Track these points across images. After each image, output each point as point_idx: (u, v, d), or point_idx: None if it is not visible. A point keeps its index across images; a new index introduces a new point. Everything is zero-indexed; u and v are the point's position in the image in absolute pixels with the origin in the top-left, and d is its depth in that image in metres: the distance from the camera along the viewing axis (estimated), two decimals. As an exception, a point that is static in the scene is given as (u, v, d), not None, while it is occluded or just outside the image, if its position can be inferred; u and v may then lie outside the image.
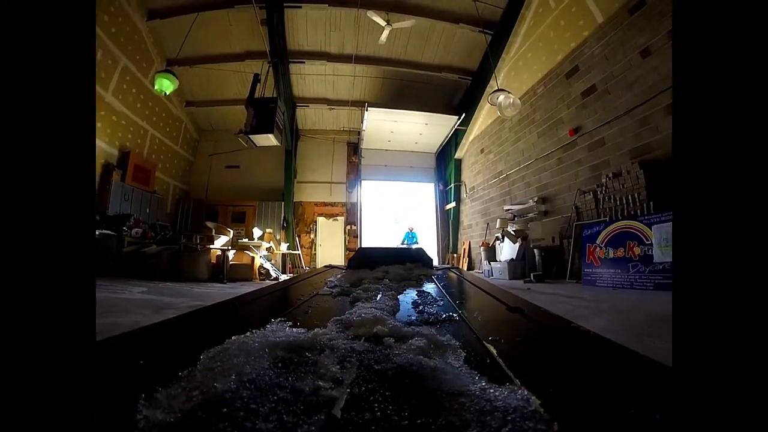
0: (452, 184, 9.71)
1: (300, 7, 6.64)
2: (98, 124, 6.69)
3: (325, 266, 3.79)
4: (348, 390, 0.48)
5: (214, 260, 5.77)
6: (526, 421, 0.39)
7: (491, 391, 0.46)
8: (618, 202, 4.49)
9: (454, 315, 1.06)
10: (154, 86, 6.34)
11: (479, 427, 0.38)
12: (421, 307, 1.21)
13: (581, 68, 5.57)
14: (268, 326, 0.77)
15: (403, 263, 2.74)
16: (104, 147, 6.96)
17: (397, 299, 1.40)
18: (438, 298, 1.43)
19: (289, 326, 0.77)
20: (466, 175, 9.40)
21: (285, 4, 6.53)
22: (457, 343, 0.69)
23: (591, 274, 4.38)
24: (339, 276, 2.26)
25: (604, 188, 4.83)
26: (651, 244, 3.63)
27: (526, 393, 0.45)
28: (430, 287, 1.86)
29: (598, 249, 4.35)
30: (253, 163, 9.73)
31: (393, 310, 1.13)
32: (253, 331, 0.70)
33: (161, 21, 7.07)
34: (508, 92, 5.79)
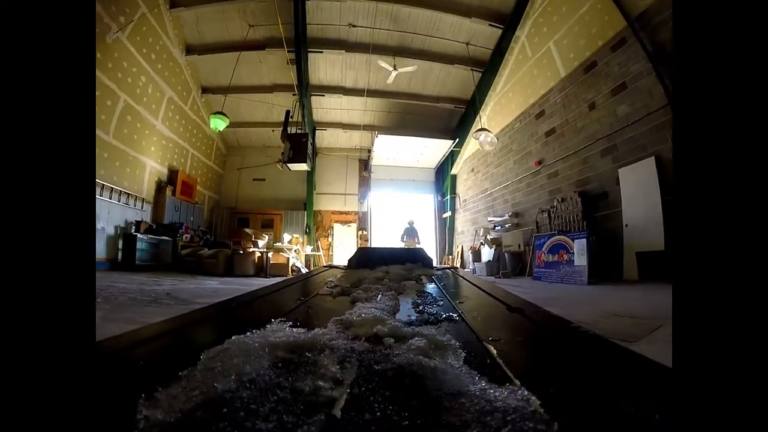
0: (448, 196, 11.08)
1: (321, 52, 8.22)
2: (151, 149, 7.77)
3: (325, 266, 3.79)
4: (348, 390, 0.48)
5: (256, 260, 7.13)
6: (526, 422, 0.39)
7: (491, 391, 0.46)
8: (563, 220, 6.01)
9: (454, 315, 1.06)
10: (210, 126, 8.02)
11: (479, 427, 0.38)
12: (421, 307, 1.21)
13: (546, 112, 6.86)
14: (268, 326, 0.77)
15: (403, 263, 2.74)
16: (157, 167, 8.05)
17: (397, 299, 1.40)
18: (438, 298, 1.43)
19: (290, 326, 0.77)
20: (460, 189, 10.78)
21: (309, 50, 8.02)
22: (457, 344, 0.68)
23: (538, 272, 5.70)
24: (339, 276, 2.26)
25: (555, 209, 6.28)
26: (573, 253, 5.00)
27: (526, 393, 0.45)
28: (430, 287, 1.86)
29: (543, 255, 5.67)
30: (277, 177, 10.97)
31: (393, 310, 1.13)
32: (254, 331, 0.70)
33: (198, 56, 8.38)
34: (488, 131, 7.72)
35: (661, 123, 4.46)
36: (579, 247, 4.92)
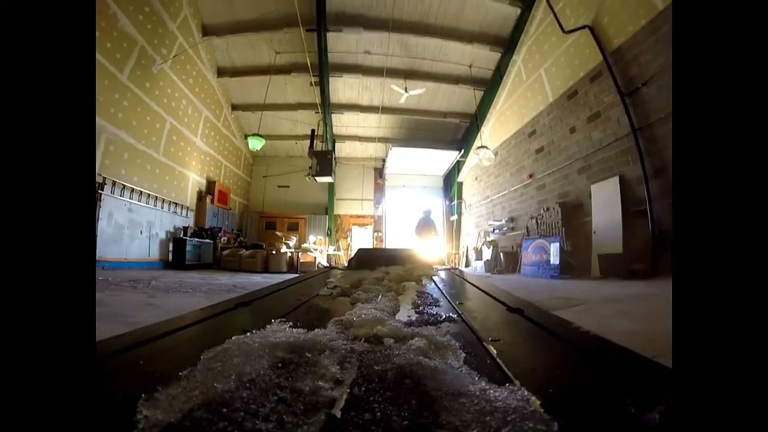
0: (455, 201, 12.05)
1: (341, 76, 9.27)
2: (192, 163, 8.76)
3: (325, 267, 3.78)
4: (348, 390, 0.48)
5: (288, 259, 8.51)
6: (526, 422, 0.39)
7: (491, 391, 0.46)
8: (547, 226, 6.99)
9: (454, 315, 1.06)
10: (248, 147, 9.71)
11: (479, 427, 0.38)
12: (421, 308, 1.21)
13: (537, 132, 7.72)
14: (268, 327, 0.77)
15: (402, 264, 2.74)
16: (198, 179, 9.09)
17: (397, 300, 1.40)
18: (438, 299, 1.43)
19: (290, 327, 0.77)
20: (465, 195, 11.78)
21: (330, 74, 9.02)
22: (457, 344, 0.68)
23: (524, 269, 6.95)
24: (339, 276, 2.26)
25: (541, 216, 7.24)
26: (550, 254, 6.21)
27: (526, 393, 0.45)
28: (430, 288, 1.86)
29: (528, 255, 6.88)
30: (300, 184, 12.12)
31: (393, 311, 1.13)
32: (254, 331, 0.70)
33: (229, 78, 9.41)
34: (487, 148, 8.75)
35: (625, 148, 5.28)
36: (554, 249, 6.11)
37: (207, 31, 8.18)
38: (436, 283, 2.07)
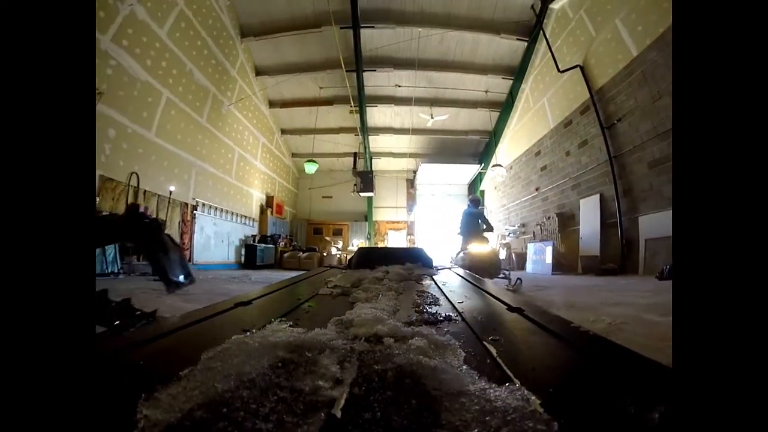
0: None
1: (376, 106, 11.19)
2: (255, 182, 10.75)
3: (325, 266, 3.79)
4: (348, 390, 0.48)
5: (337, 260, 10.39)
6: (525, 421, 0.38)
7: (491, 391, 0.46)
8: (548, 232, 8.49)
9: (454, 315, 1.06)
10: (295, 165, 13.00)
11: (479, 427, 0.38)
12: (421, 307, 1.21)
13: (542, 152, 9.14)
14: (268, 326, 0.77)
15: (402, 263, 2.74)
16: (259, 195, 11.12)
17: (398, 299, 1.40)
18: (438, 298, 1.43)
19: (289, 326, 0.77)
20: (486, 202, 13.21)
21: (367, 105, 10.74)
22: (457, 343, 0.68)
23: (531, 266, 8.33)
24: (339, 276, 2.26)
25: (544, 224, 8.76)
26: (545, 254, 7.63)
27: (525, 393, 0.45)
28: (430, 287, 1.86)
29: (532, 254, 8.37)
30: (342, 195, 14.13)
31: (393, 310, 1.13)
32: (254, 331, 0.70)
33: (279, 109, 11.45)
34: (501, 166, 10.38)
35: (604, 171, 6.55)
36: (548, 251, 7.56)
37: (259, 71, 10.04)
38: (435, 282, 2.07)
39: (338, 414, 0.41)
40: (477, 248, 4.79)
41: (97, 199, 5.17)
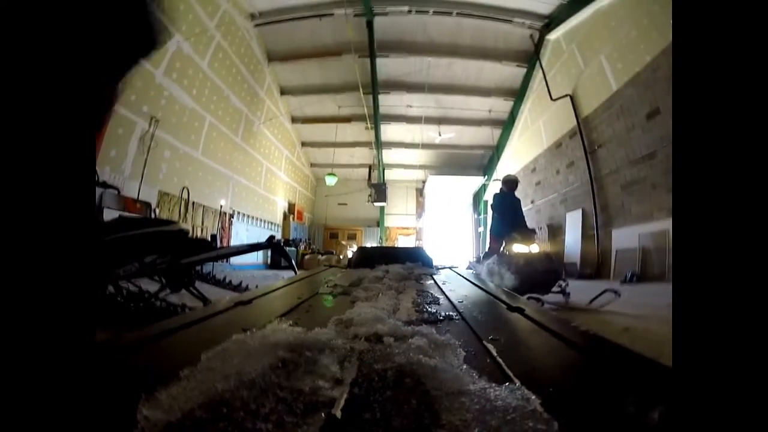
0: (482, 215, 14.32)
1: (390, 124, 12.09)
2: (279, 191, 11.94)
3: (325, 266, 3.79)
4: (348, 389, 0.48)
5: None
6: (525, 421, 0.38)
7: (491, 390, 0.45)
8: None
9: (454, 314, 1.06)
10: (326, 183, 13.24)
11: (479, 426, 0.38)
12: (421, 307, 1.21)
13: (537, 169, 9.91)
14: (268, 326, 0.77)
15: (402, 263, 2.74)
16: (282, 203, 12.29)
17: (398, 298, 1.40)
18: (438, 298, 1.43)
19: (289, 326, 0.77)
20: (490, 211, 12.57)
21: (381, 122, 11.56)
22: (457, 343, 0.68)
23: None
24: (339, 275, 2.26)
25: (537, 234, 8.28)
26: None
27: (525, 392, 0.44)
28: (430, 287, 1.86)
29: None
30: (356, 202, 15.39)
31: (393, 310, 1.13)
32: (254, 330, 0.70)
33: (301, 125, 12.71)
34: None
35: (586, 190, 7.31)
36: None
37: (283, 91, 11.16)
38: (435, 282, 2.07)
39: (338, 414, 0.41)
40: (523, 248, 3.43)
41: (157, 210, 5.96)
